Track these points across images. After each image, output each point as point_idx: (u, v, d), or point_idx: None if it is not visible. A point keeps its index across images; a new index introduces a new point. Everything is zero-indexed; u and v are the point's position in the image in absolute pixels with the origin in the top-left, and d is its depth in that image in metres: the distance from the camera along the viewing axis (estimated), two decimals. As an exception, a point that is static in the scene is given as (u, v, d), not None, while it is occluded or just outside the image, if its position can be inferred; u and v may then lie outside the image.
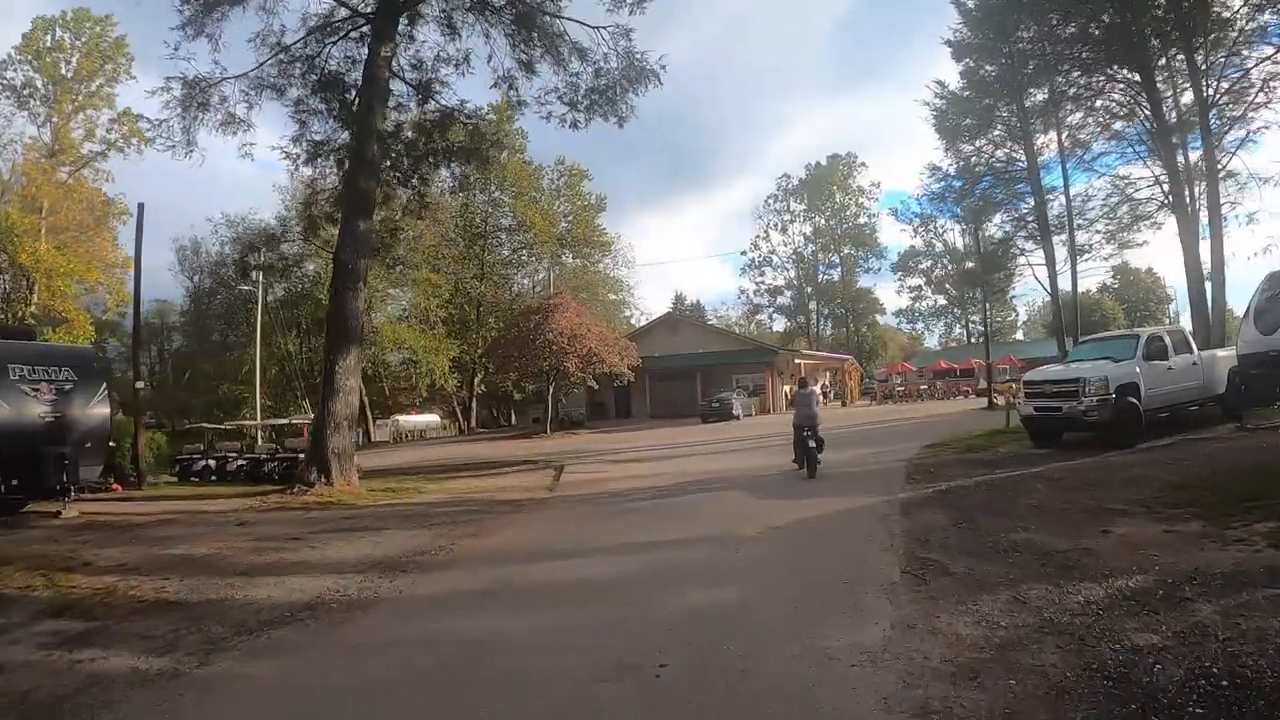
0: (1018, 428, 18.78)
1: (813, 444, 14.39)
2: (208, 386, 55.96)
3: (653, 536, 9.77)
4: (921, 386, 50.04)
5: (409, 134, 22.25)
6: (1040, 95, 32.94)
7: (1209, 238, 24.86)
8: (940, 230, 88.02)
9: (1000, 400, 33.59)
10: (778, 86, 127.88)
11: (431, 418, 60.05)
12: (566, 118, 21.68)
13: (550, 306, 39.26)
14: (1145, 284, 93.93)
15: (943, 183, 34.82)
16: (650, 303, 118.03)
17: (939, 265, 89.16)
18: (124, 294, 43.12)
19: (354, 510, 14.73)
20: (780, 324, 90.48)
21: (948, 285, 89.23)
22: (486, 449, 32.94)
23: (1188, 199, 26.51)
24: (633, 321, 64.42)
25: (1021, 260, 34.67)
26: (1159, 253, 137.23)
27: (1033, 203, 34.51)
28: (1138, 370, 15.18)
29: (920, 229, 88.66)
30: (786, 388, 45.81)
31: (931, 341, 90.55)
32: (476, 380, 56.98)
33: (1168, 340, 16.27)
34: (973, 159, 35.63)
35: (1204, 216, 26.20)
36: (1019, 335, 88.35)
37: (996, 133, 34.04)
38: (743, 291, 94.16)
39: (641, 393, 45.76)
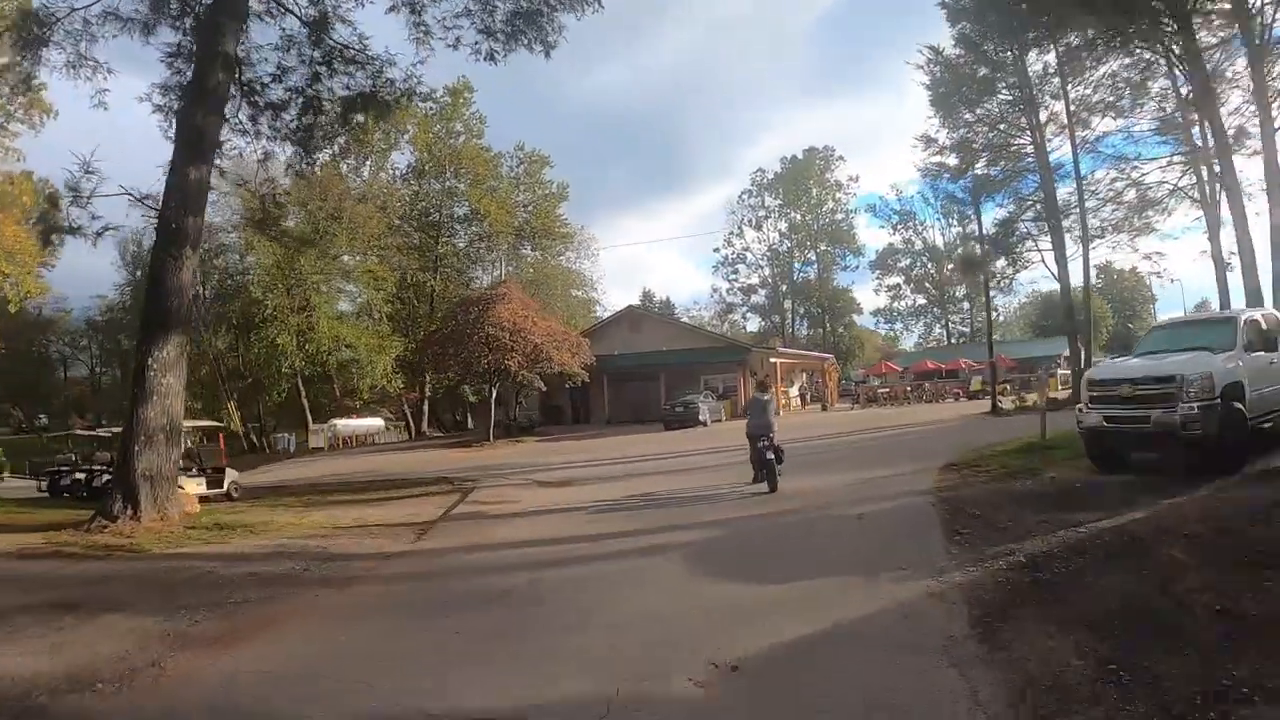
0: (1057, 439, 14.56)
1: (771, 455, 12.77)
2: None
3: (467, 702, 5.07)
4: (906, 388, 45.74)
5: (284, 67, 17.39)
6: (1049, 57, 28.78)
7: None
8: (920, 228, 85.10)
9: (1007, 404, 29.46)
10: (756, 92, 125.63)
11: (375, 422, 55.10)
12: (481, 48, 17.11)
13: (491, 297, 34.57)
14: (1129, 283, 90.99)
15: (938, 157, 30.39)
16: (621, 303, 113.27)
17: (918, 263, 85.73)
18: (32, 285, 37.48)
19: (129, 564, 10.17)
20: (754, 324, 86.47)
21: (928, 284, 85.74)
22: (412, 460, 28.51)
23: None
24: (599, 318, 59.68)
25: (1028, 245, 30.15)
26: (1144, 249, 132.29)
27: (1038, 180, 30.33)
28: (1241, 365, 10.83)
29: (899, 226, 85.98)
30: (761, 389, 41.46)
31: (910, 342, 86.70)
32: (428, 381, 52.06)
33: (1270, 325, 11.92)
34: (970, 133, 31.40)
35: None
36: (998, 336, 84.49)
37: (1001, 95, 29.73)
38: (715, 290, 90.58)
39: (600, 395, 41.09)
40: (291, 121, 18.07)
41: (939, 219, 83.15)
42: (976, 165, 29.95)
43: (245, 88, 16.76)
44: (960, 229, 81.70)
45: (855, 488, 12.35)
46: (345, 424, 52.40)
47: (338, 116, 18.35)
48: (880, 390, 46.58)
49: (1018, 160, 31.02)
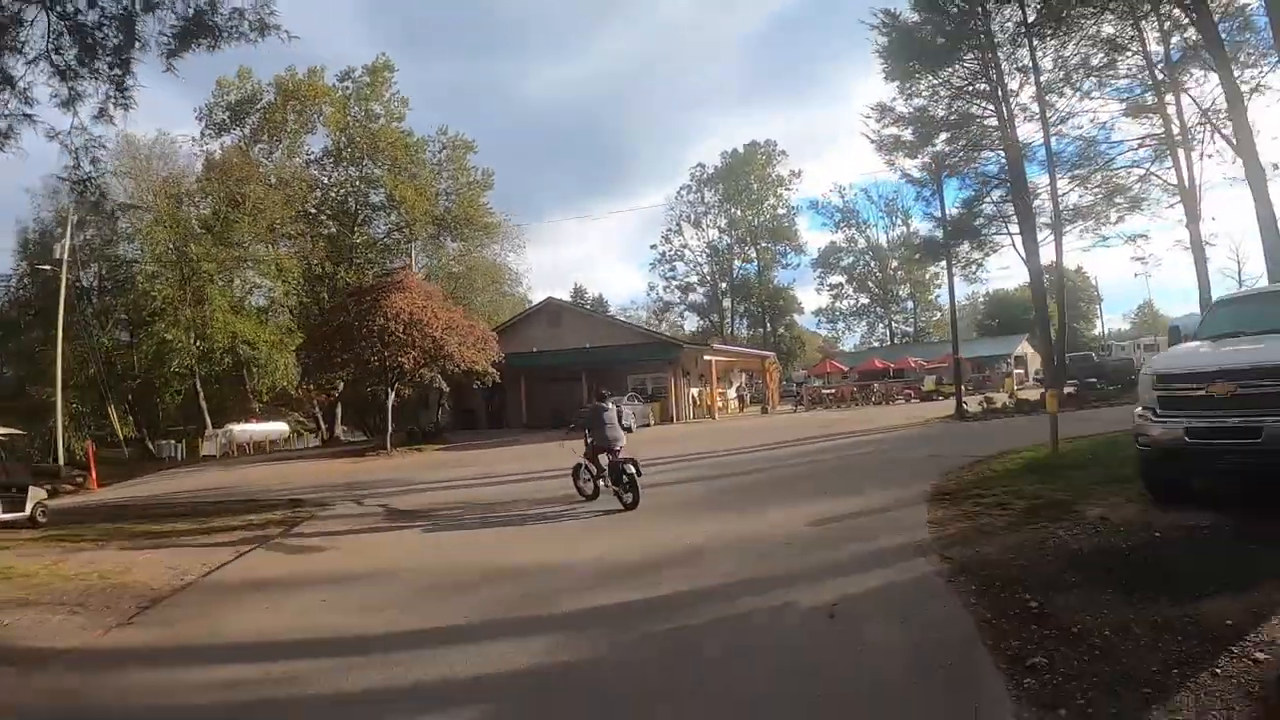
0: (1066, 454, 10.96)
1: (631, 469, 11.45)
2: (18, 389, 45.77)
3: None
4: (853, 389, 42.27)
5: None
6: (1020, 13, 25.37)
7: None
8: (863, 226, 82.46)
9: (972, 405, 25.92)
10: (698, 95, 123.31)
11: (278, 427, 49.77)
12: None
13: (386, 285, 30.06)
14: (1074, 282, 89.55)
15: (894, 129, 26.79)
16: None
17: (861, 262, 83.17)
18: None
19: None
20: (693, 323, 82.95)
21: (870, 283, 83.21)
22: (291, 473, 24.34)
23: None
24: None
25: (996, 228, 26.74)
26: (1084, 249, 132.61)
27: (1004, 159, 26.98)
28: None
29: (842, 224, 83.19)
30: (694, 390, 37.53)
31: (851, 343, 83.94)
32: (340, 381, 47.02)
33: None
34: (930, 103, 27.90)
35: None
36: (938, 336, 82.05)
37: (965, 62, 26.22)
38: (652, 288, 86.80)
39: (517, 398, 36.77)
40: (106, 54, 13.42)
41: (883, 217, 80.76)
42: (936, 140, 26.43)
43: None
44: (905, 228, 79.89)
45: (810, 539, 8.35)
46: (243, 429, 47.06)
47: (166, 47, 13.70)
48: (825, 391, 43.05)
49: (982, 137, 27.60)
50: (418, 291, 29.82)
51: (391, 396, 31.12)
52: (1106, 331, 77.79)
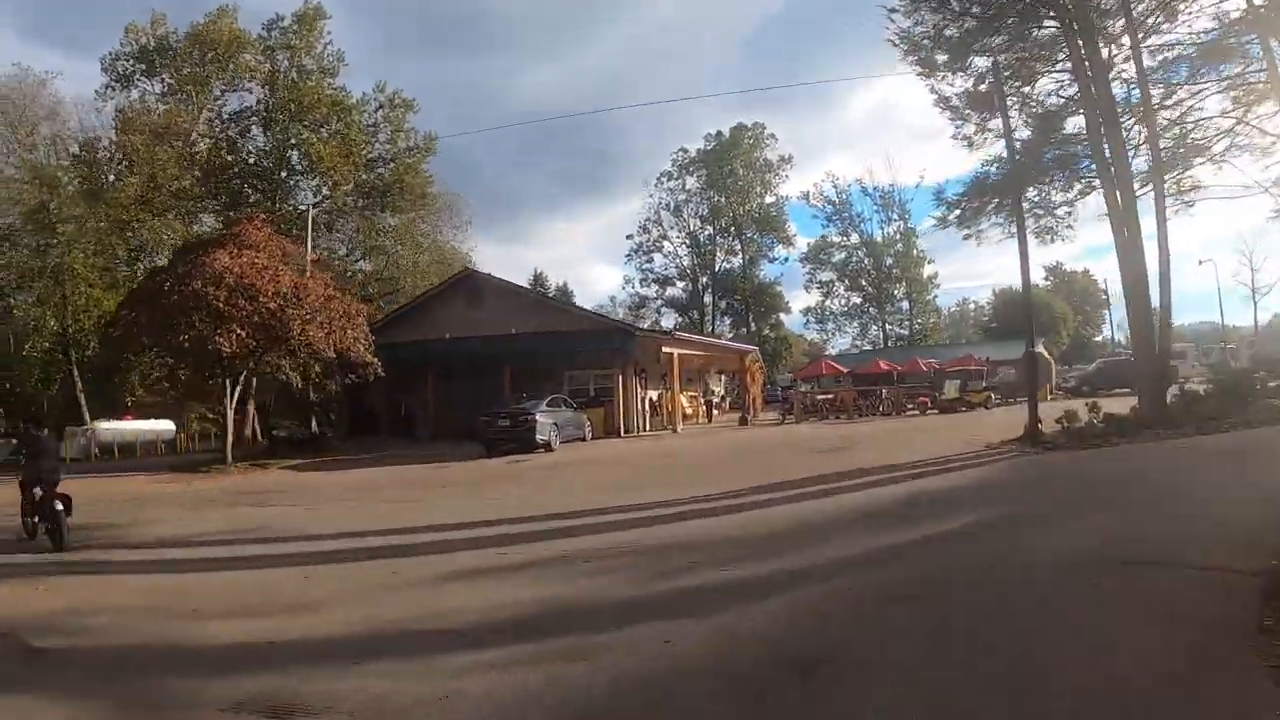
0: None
1: (60, 505, 10.06)
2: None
3: None
4: (855, 395, 33.90)
5: None
6: None
7: None
8: (856, 220, 74.18)
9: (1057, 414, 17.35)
10: (688, 96, 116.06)
11: (159, 425, 40.90)
12: None
13: (212, 241, 21.83)
14: (1082, 284, 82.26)
15: (933, 14, 18.48)
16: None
17: (854, 258, 74.90)
18: None
19: None
20: (670, 320, 74.25)
21: (864, 281, 74.84)
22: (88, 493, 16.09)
23: None
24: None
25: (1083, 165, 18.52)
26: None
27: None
28: None
29: (834, 217, 74.89)
30: (651, 394, 29.12)
31: (842, 345, 75.47)
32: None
33: None
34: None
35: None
36: (932, 341, 73.79)
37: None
38: (628, 280, 77.94)
39: (425, 397, 28.32)
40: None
41: (878, 211, 72.78)
42: (993, 37, 18.26)
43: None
44: (901, 223, 72.20)
45: None
46: (110, 427, 38.45)
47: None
48: (820, 397, 34.69)
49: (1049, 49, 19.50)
50: (266, 251, 21.48)
51: (230, 394, 22.71)
52: (1116, 337, 70.37)
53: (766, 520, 9.61)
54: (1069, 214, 19.79)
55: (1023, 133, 19.87)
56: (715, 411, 34.65)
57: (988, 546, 7.39)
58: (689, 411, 30.96)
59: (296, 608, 6.65)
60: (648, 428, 27.83)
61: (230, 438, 23.10)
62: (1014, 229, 17.99)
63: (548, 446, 21.12)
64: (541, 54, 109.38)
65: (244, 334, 19.39)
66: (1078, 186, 19.22)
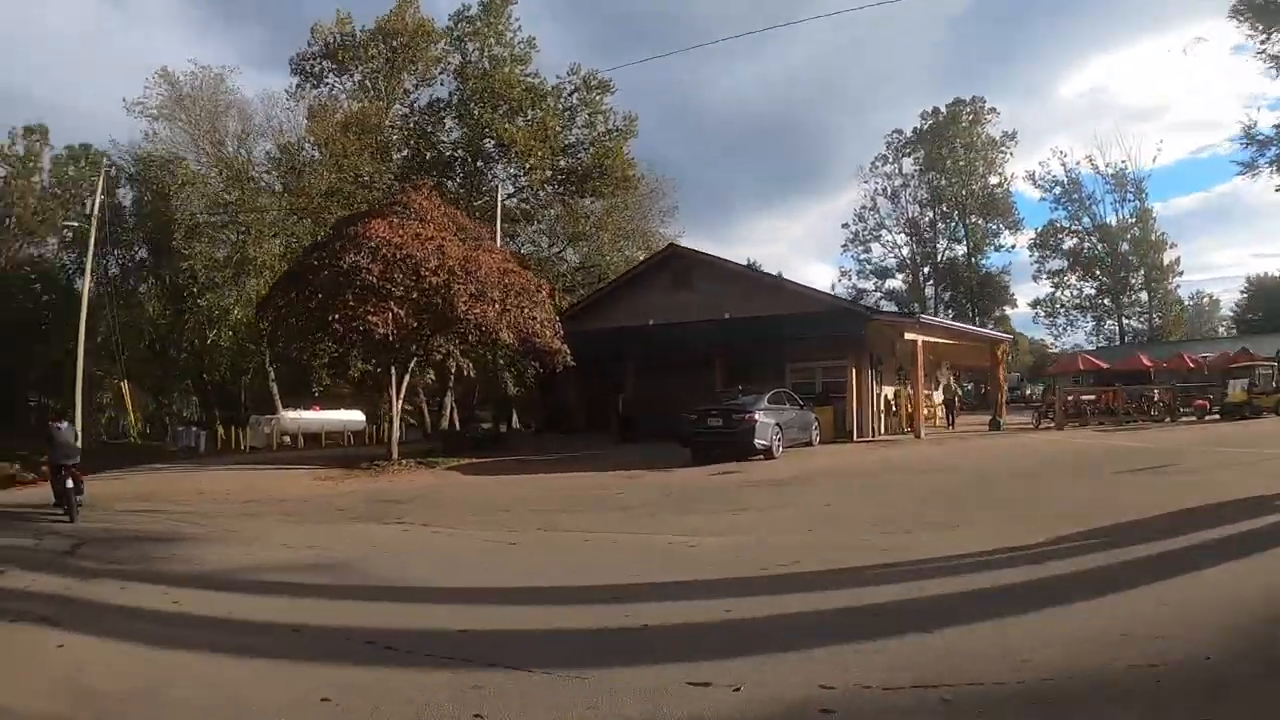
0: None
1: (71, 484, 11.89)
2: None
3: None
4: (1123, 396, 26.97)
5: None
6: None
7: None
8: (1087, 202, 64.52)
9: None
10: (890, 93, 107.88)
11: (349, 415, 40.15)
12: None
13: (372, 212, 19.32)
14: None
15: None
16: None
17: (1086, 244, 65.16)
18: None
19: None
20: (888, 314, 68.12)
21: (1097, 270, 64.75)
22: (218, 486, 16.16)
23: None
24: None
25: None
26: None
27: None
28: None
29: (1063, 199, 65.63)
30: (887, 391, 23.86)
31: (1073, 341, 66.08)
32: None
33: None
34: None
35: None
36: (1177, 335, 62.54)
37: None
38: (844, 272, 72.15)
39: (624, 391, 24.47)
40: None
41: (1111, 190, 63.10)
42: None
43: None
44: (1137, 203, 62.64)
45: None
46: (298, 416, 37.94)
47: None
48: (1084, 399, 27.98)
49: None
50: (434, 222, 18.24)
51: (402, 379, 19.88)
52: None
53: (1184, 606, 4.66)
54: None
55: None
56: (950, 413, 28.64)
57: None
58: (927, 413, 25.35)
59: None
60: (883, 430, 22.94)
61: (396, 433, 20.46)
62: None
63: (769, 453, 16.95)
64: (739, 54, 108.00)
65: (402, 313, 16.20)
66: None
